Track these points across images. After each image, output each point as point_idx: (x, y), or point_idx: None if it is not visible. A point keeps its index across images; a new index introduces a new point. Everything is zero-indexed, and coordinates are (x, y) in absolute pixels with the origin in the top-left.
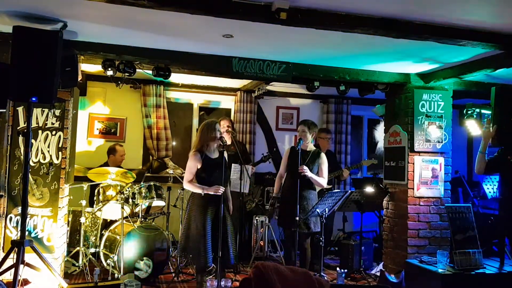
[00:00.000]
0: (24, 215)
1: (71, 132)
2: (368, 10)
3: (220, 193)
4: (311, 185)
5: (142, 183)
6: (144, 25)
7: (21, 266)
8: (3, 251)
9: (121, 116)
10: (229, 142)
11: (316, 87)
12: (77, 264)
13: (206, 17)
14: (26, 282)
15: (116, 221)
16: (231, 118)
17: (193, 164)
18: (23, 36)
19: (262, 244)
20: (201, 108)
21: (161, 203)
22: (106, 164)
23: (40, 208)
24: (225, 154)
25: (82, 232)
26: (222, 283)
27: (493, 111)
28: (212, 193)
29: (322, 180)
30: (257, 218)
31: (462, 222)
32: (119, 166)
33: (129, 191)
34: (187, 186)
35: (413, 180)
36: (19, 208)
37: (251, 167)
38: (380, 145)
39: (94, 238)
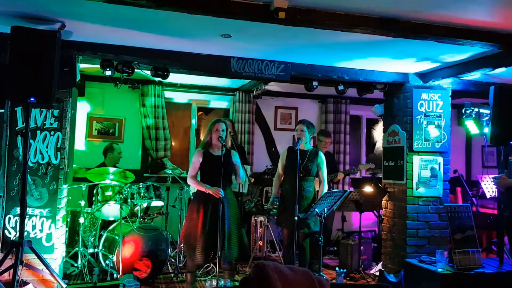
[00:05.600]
0: (22, 216)
1: (70, 133)
2: (367, 9)
3: (218, 196)
4: (310, 185)
5: (141, 183)
6: (142, 25)
7: (20, 266)
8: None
9: (119, 116)
10: (228, 143)
11: (315, 87)
12: (76, 265)
13: (204, 17)
14: (25, 283)
15: (115, 221)
16: (229, 118)
17: (195, 159)
18: (21, 36)
19: (261, 244)
20: (199, 108)
21: (159, 203)
22: (103, 164)
23: (39, 209)
24: (232, 153)
25: (81, 232)
26: (221, 283)
27: (492, 110)
28: (211, 193)
29: (325, 187)
30: (255, 218)
31: (461, 222)
32: (116, 166)
33: (128, 191)
34: (189, 181)
35: (412, 180)
36: (18, 208)
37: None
38: (379, 144)
39: (93, 238)
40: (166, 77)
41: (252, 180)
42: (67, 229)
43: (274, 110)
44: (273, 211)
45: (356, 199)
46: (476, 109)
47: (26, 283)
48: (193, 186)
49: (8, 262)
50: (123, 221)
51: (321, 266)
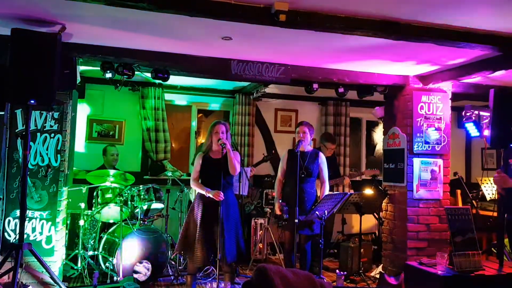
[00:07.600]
0: (22, 218)
1: (70, 135)
2: (368, 12)
3: (219, 199)
4: (312, 187)
5: (141, 185)
6: (143, 28)
7: (20, 269)
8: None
9: (119, 118)
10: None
11: (315, 89)
12: (76, 267)
13: (205, 19)
14: (24, 285)
15: (115, 223)
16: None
17: (196, 163)
18: (21, 38)
19: (261, 246)
20: (199, 110)
21: (160, 205)
22: (103, 167)
23: (39, 211)
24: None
25: (80, 235)
26: (221, 285)
27: (492, 113)
28: (211, 196)
29: (326, 187)
30: (256, 220)
31: (461, 224)
32: (114, 167)
33: (128, 193)
34: (192, 184)
35: (412, 182)
36: (18, 211)
37: (251, 169)
38: (379, 147)
39: (93, 241)
40: (166, 79)
41: (253, 172)
42: (67, 231)
43: (274, 112)
44: (284, 217)
45: (356, 202)
46: (476, 112)
47: (26, 286)
48: (196, 189)
49: (7, 265)
50: (123, 224)
51: (321, 269)
